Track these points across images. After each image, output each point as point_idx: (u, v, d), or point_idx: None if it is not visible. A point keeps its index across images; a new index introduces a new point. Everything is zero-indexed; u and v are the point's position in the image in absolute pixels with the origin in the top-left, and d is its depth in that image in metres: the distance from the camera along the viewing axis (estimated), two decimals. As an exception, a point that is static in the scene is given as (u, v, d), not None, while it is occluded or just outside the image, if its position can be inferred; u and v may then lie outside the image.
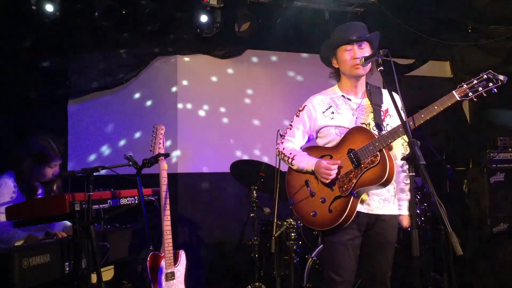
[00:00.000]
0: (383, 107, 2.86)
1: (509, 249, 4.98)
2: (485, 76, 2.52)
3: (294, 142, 2.96)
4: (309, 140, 3.02)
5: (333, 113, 2.87)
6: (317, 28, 5.54)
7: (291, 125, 3.01)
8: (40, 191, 3.49)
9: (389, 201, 2.84)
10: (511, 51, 5.37)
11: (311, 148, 2.93)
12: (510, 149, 5.22)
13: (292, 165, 2.89)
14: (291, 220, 4.31)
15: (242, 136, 5.64)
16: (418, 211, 4.50)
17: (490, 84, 2.51)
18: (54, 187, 3.53)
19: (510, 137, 5.24)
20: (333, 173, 2.68)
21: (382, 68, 2.58)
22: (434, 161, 4.72)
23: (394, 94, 2.66)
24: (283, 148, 2.95)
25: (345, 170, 2.71)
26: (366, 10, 5.38)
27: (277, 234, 3.98)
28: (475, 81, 2.53)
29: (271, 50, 5.80)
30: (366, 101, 2.89)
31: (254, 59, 5.78)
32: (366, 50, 2.80)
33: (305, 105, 2.98)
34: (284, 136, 3.01)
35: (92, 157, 5.29)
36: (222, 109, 5.63)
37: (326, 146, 2.88)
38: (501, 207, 5.09)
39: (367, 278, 2.86)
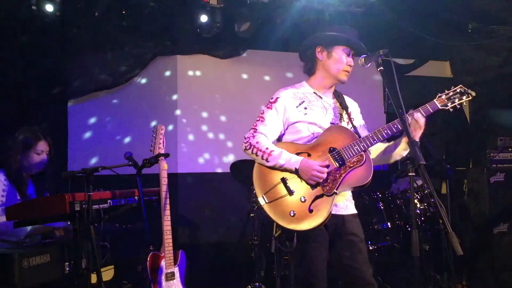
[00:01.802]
0: (349, 110, 2.88)
1: (509, 250, 4.98)
2: (458, 90, 2.70)
3: (267, 135, 2.79)
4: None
5: (305, 108, 2.80)
6: (317, 28, 5.53)
7: (262, 116, 2.82)
8: (30, 186, 3.47)
9: (350, 201, 2.85)
10: (511, 51, 5.37)
11: (284, 144, 2.79)
12: (510, 149, 5.21)
13: (267, 161, 2.69)
14: (291, 220, 4.30)
15: (242, 136, 5.62)
16: (418, 211, 4.50)
17: (464, 97, 2.69)
18: (45, 185, 3.52)
19: (510, 137, 5.23)
20: (325, 176, 2.60)
21: (382, 68, 2.59)
22: (434, 161, 4.72)
23: (352, 101, 2.92)
24: (257, 142, 2.75)
25: (329, 169, 2.66)
26: (366, 10, 5.38)
27: (277, 234, 3.96)
28: (451, 93, 2.70)
29: (271, 50, 5.79)
30: (336, 102, 2.89)
31: (254, 59, 5.78)
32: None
33: (278, 97, 2.85)
34: (255, 128, 2.82)
35: (92, 157, 5.29)
36: (222, 109, 5.63)
37: (298, 142, 2.78)
38: (501, 207, 5.09)
39: (351, 281, 2.75)
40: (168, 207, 3.24)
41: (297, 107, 2.81)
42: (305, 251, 2.69)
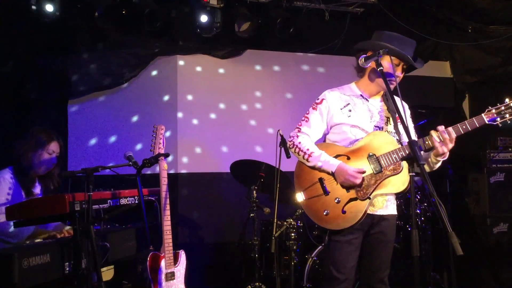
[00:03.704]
0: (397, 114, 2.86)
1: (509, 250, 4.98)
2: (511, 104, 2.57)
3: (310, 135, 2.87)
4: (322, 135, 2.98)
5: (350, 111, 2.83)
6: (317, 28, 5.54)
7: (306, 117, 2.89)
8: (37, 186, 3.49)
9: (391, 201, 2.87)
10: (511, 51, 5.37)
11: (325, 146, 2.88)
12: (510, 149, 5.21)
13: (308, 162, 2.79)
14: (291, 220, 4.31)
15: (242, 136, 5.64)
16: (418, 211, 4.50)
17: None
18: (51, 186, 3.53)
19: (510, 137, 5.23)
20: (358, 181, 2.67)
21: (382, 68, 2.60)
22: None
23: (398, 100, 2.73)
24: (299, 143, 2.84)
25: (365, 174, 2.72)
26: (366, 10, 5.39)
27: (277, 234, 3.98)
28: (503, 108, 2.58)
29: (271, 50, 5.80)
30: (383, 106, 2.90)
31: (254, 59, 5.78)
32: (402, 73, 2.79)
33: (323, 98, 2.90)
34: (299, 128, 2.90)
35: (92, 157, 5.28)
36: (222, 109, 5.62)
37: (339, 144, 2.84)
38: (501, 207, 5.09)
39: (367, 276, 2.86)
40: (168, 207, 3.24)
41: (341, 109, 2.84)
42: (336, 247, 2.77)
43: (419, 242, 2.31)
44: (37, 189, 3.50)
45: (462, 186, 5.52)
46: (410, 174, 2.35)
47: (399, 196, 2.97)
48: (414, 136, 2.81)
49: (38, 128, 3.50)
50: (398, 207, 4.41)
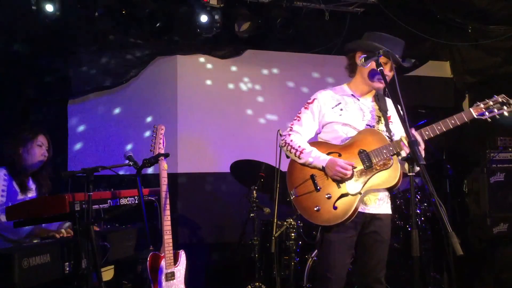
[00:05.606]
0: (388, 113, 2.90)
1: (509, 250, 4.98)
2: (500, 100, 2.62)
3: (302, 134, 2.92)
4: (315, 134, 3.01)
5: (341, 110, 2.87)
6: (317, 28, 5.54)
7: (298, 116, 2.96)
8: (31, 183, 3.49)
9: (384, 200, 2.88)
10: (511, 51, 5.37)
11: (318, 144, 2.92)
12: (510, 149, 5.21)
13: (300, 159, 2.84)
14: (291, 220, 4.31)
15: (242, 136, 5.64)
16: (418, 211, 4.50)
17: (504, 107, 2.62)
18: (45, 182, 3.54)
19: (510, 137, 5.23)
20: (349, 173, 2.69)
21: (382, 68, 2.61)
22: (434, 160, 4.72)
23: (391, 101, 2.75)
24: (291, 141, 2.89)
25: (356, 170, 2.74)
26: (366, 10, 5.39)
27: (277, 234, 3.98)
28: (491, 103, 2.63)
29: (271, 50, 5.80)
30: (375, 105, 2.93)
31: (254, 59, 5.78)
32: (391, 72, 2.78)
33: (315, 98, 2.95)
34: (292, 127, 2.95)
35: (92, 157, 5.28)
36: (222, 109, 5.62)
37: (331, 142, 2.88)
38: (501, 207, 5.09)
39: (363, 276, 2.87)
40: (168, 207, 3.24)
41: (332, 108, 2.89)
42: (328, 245, 2.78)
43: (419, 242, 2.31)
44: (32, 189, 3.49)
45: (462, 186, 5.52)
46: (410, 174, 2.35)
47: (393, 193, 2.98)
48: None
49: (21, 127, 3.55)
50: (398, 207, 4.45)
